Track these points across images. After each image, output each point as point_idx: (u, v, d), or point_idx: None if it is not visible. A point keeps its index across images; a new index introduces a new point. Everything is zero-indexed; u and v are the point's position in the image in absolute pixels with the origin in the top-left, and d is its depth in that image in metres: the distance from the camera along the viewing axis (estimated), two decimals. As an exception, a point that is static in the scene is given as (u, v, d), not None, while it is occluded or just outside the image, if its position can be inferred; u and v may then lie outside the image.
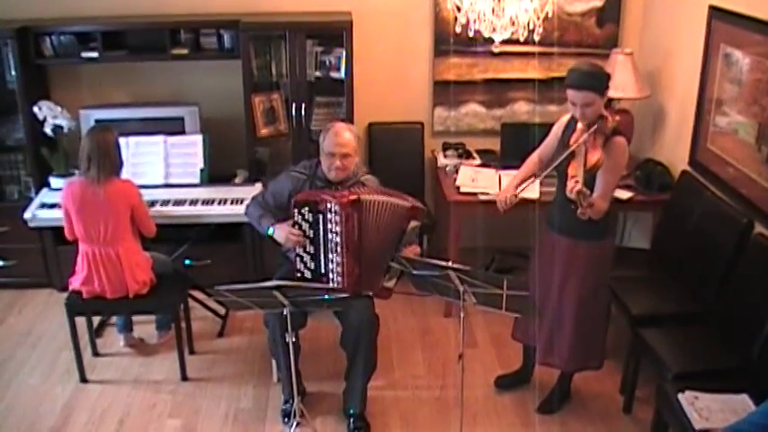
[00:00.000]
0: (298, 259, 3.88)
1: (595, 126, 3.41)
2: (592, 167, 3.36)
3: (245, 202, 4.17)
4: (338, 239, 3.75)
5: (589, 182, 3.38)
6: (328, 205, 3.73)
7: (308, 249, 3.85)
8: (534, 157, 3.86)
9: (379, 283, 3.89)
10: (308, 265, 3.87)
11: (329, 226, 3.76)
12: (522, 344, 4.16)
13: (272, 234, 3.90)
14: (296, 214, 3.81)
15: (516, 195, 3.62)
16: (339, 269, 3.80)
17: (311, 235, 3.82)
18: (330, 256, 3.81)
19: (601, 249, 3.72)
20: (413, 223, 3.83)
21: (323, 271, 3.85)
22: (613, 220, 3.79)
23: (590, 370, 3.97)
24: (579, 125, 3.51)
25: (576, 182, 3.27)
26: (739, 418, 3.10)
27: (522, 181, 3.79)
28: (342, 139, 3.86)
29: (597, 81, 3.43)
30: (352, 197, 3.73)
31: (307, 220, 3.81)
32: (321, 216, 3.76)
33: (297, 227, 3.83)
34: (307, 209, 3.79)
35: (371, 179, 4.06)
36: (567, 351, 3.83)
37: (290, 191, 3.95)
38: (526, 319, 3.88)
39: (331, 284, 3.82)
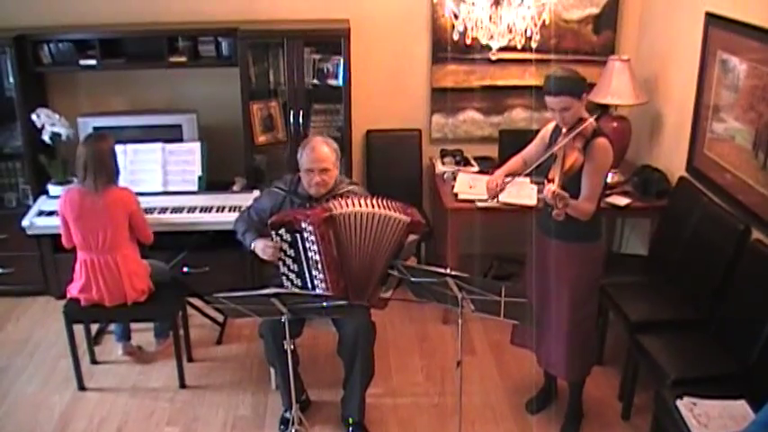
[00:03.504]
0: (284, 278, 3.86)
1: (576, 131, 3.44)
2: (569, 169, 3.39)
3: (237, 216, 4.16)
4: (317, 257, 3.71)
5: (571, 184, 3.41)
6: (302, 225, 3.68)
7: (292, 268, 3.83)
8: (518, 159, 3.86)
9: (374, 293, 3.83)
10: (295, 282, 3.84)
11: (307, 245, 3.72)
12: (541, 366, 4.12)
13: (254, 248, 3.89)
14: (274, 235, 3.78)
15: (504, 184, 3.65)
16: (324, 285, 3.75)
17: (292, 254, 3.79)
18: (314, 272, 3.77)
19: (592, 252, 3.73)
20: (411, 237, 3.79)
21: (310, 287, 3.81)
22: (601, 222, 3.80)
23: (588, 374, 3.96)
24: (564, 130, 3.55)
25: (552, 182, 3.30)
26: (737, 424, 3.11)
27: (508, 175, 3.78)
28: (319, 154, 3.80)
29: (572, 85, 3.47)
30: (324, 215, 3.64)
31: (285, 240, 3.77)
32: (298, 235, 3.72)
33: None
34: (283, 229, 3.75)
35: (356, 189, 3.98)
36: (566, 359, 3.82)
37: (271, 207, 3.93)
38: (524, 325, 3.89)
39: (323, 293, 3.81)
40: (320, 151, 3.81)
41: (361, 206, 3.70)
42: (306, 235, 3.70)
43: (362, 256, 3.76)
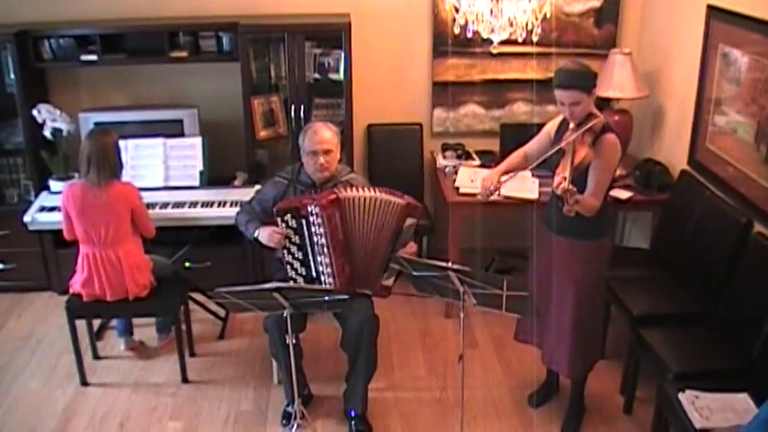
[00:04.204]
0: (288, 267, 3.88)
1: (587, 126, 3.42)
2: (578, 165, 3.36)
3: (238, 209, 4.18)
4: (324, 241, 3.76)
5: (579, 179, 3.39)
6: (309, 208, 3.73)
7: (296, 256, 3.86)
8: (520, 153, 3.83)
9: (377, 281, 3.90)
10: (300, 271, 3.88)
11: (313, 229, 3.76)
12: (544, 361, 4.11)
13: (258, 236, 3.89)
14: (279, 222, 3.81)
15: (500, 184, 3.63)
16: (329, 270, 3.81)
17: (297, 241, 3.82)
18: (319, 258, 3.81)
19: (598, 249, 3.70)
20: (409, 221, 3.83)
21: (314, 275, 3.85)
22: (609, 219, 3.77)
23: (591, 369, 3.95)
24: (571, 125, 3.52)
25: (564, 178, 3.27)
26: (739, 418, 3.12)
27: (506, 173, 3.76)
28: (321, 136, 3.85)
29: (583, 80, 3.44)
30: (331, 197, 3.73)
31: (291, 227, 3.80)
32: (304, 220, 3.76)
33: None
34: (289, 215, 3.79)
35: (357, 178, 4.05)
36: (568, 357, 3.80)
37: (274, 197, 3.95)
38: (526, 320, 3.89)
39: (325, 287, 3.82)
40: (322, 133, 3.86)
41: (363, 191, 3.79)
42: (312, 219, 3.74)
43: (366, 241, 3.82)
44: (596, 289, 3.79)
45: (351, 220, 3.78)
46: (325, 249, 3.77)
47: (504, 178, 3.65)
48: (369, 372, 3.97)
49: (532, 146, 3.82)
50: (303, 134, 3.92)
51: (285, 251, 3.86)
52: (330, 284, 3.82)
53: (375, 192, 3.80)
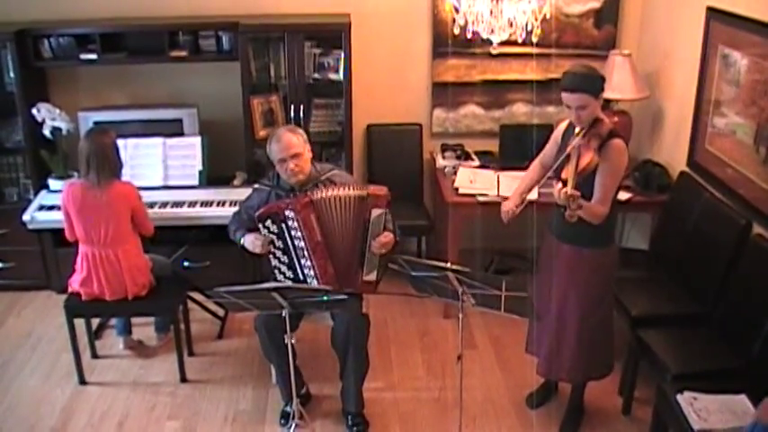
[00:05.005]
0: (276, 271, 3.89)
1: (592, 129, 3.40)
2: (583, 170, 3.34)
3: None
4: (303, 244, 3.78)
5: (585, 185, 3.36)
6: (286, 213, 3.74)
7: (282, 260, 3.87)
8: (536, 164, 3.83)
9: (357, 277, 3.89)
10: (287, 275, 3.88)
11: (292, 233, 3.78)
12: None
13: (243, 244, 3.91)
14: (262, 228, 3.82)
15: (519, 207, 3.63)
16: (313, 272, 3.81)
17: (281, 245, 3.83)
18: (302, 261, 3.82)
19: (604, 257, 3.67)
20: (376, 211, 3.81)
21: (301, 278, 3.86)
22: (614, 226, 3.76)
23: (596, 380, 3.93)
24: (577, 129, 3.50)
25: (564, 185, 3.24)
26: (737, 419, 3.12)
27: (527, 189, 3.76)
28: (286, 142, 3.80)
29: (591, 83, 3.41)
30: (305, 199, 3.73)
31: (273, 232, 3.81)
32: (284, 225, 3.78)
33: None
34: (269, 221, 3.79)
35: (339, 174, 4.02)
36: (569, 362, 3.78)
37: (258, 204, 3.95)
38: (538, 331, 3.87)
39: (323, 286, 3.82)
40: (286, 139, 3.82)
41: (333, 190, 3.79)
42: (290, 223, 3.75)
43: (345, 239, 3.82)
44: (603, 298, 3.74)
45: (328, 219, 3.79)
46: (306, 252, 3.79)
47: (524, 200, 3.67)
48: (360, 371, 3.98)
49: (545, 155, 3.80)
50: (269, 144, 3.87)
51: (271, 256, 3.87)
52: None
53: (344, 189, 3.79)
